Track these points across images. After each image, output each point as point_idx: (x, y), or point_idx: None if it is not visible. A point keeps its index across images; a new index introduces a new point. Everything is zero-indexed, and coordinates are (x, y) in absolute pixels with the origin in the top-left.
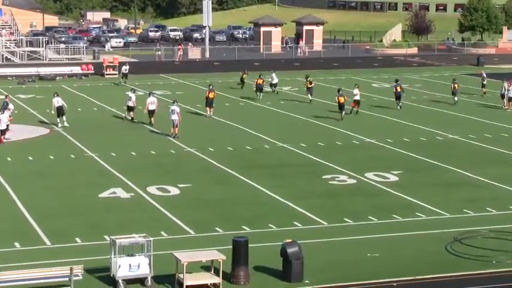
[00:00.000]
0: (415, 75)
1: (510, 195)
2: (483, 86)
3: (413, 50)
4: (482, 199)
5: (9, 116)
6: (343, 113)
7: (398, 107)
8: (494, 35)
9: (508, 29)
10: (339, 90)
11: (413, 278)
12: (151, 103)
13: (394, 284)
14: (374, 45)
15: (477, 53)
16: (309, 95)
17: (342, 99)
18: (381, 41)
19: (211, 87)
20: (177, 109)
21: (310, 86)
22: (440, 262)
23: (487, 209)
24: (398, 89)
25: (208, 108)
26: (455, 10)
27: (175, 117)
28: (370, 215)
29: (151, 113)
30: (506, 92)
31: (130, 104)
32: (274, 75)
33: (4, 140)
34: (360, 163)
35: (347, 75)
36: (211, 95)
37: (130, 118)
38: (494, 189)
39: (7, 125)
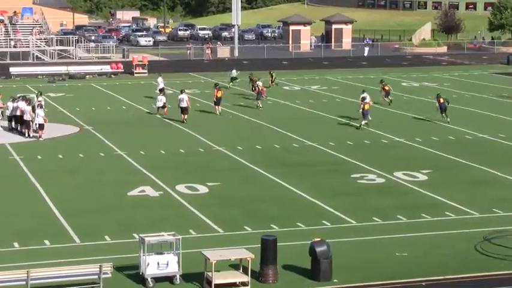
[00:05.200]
0: (445, 74)
1: None
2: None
3: (443, 49)
4: None
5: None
6: (390, 99)
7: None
8: None
9: None
10: (381, 81)
11: (442, 277)
12: (182, 100)
13: (423, 283)
14: (403, 44)
15: (507, 51)
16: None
17: (387, 88)
18: (410, 39)
19: (218, 86)
20: (186, 97)
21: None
22: (469, 262)
23: None
24: (387, 88)
25: (217, 107)
26: (485, 9)
27: (184, 104)
28: (399, 214)
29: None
30: None
31: (160, 104)
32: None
33: (42, 137)
34: (388, 162)
35: (376, 74)
36: (219, 94)
37: (160, 115)
38: None
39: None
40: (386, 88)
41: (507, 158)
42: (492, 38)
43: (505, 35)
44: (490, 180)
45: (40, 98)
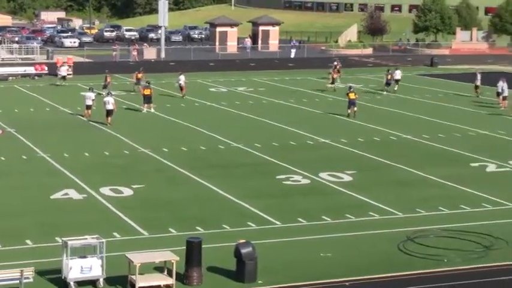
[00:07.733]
0: (370, 75)
1: (462, 195)
2: (477, 87)
3: (369, 51)
4: (435, 198)
5: None
6: (355, 108)
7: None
8: (447, 36)
9: (461, 30)
10: (350, 88)
11: (366, 277)
12: (108, 103)
13: (347, 283)
14: (329, 46)
15: (431, 53)
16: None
17: (352, 96)
18: (337, 41)
19: (148, 84)
20: (112, 100)
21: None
22: (393, 261)
23: (439, 208)
24: (335, 76)
25: (145, 105)
26: (410, 11)
27: (110, 107)
28: (324, 214)
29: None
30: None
31: (89, 102)
32: (398, 71)
33: None
34: (313, 163)
35: (302, 76)
36: (146, 92)
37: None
38: (446, 189)
39: None
40: (335, 76)
41: (430, 158)
42: (416, 40)
43: (429, 37)
44: (413, 181)
45: None
